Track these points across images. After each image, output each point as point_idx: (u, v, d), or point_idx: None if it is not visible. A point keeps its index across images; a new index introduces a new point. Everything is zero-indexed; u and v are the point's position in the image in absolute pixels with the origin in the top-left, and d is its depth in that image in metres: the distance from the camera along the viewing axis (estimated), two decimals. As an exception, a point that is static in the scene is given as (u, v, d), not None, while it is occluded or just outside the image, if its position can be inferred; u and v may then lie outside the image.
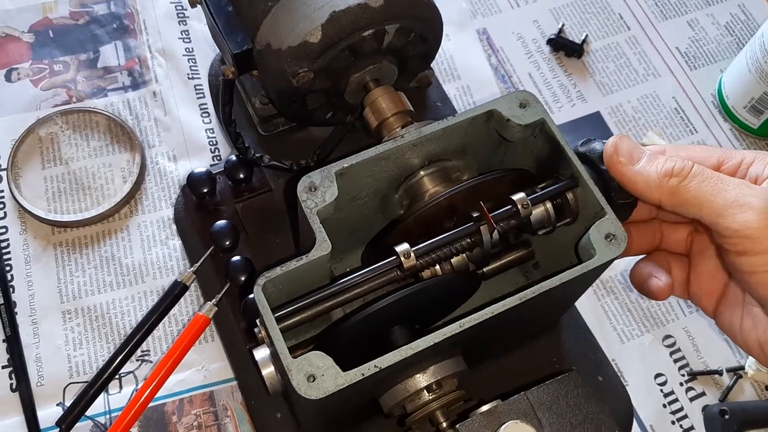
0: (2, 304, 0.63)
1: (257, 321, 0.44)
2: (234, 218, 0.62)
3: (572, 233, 0.49)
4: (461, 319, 0.42)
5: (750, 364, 0.65)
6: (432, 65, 0.64)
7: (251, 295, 0.44)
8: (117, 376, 0.61)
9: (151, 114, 0.73)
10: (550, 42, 0.80)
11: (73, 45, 0.76)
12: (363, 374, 0.40)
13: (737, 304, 0.48)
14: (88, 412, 0.60)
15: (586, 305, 0.67)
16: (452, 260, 0.48)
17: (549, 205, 0.48)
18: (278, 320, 0.42)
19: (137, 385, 0.61)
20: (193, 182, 0.62)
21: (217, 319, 0.61)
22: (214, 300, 0.59)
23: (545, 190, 0.48)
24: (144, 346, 0.63)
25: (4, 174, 0.69)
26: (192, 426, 0.60)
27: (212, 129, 0.73)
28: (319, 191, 0.45)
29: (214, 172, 0.63)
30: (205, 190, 0.62)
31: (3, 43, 0.76)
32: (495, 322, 0.43)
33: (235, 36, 0.54)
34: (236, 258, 0.59)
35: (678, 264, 0.51)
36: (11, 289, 0.65)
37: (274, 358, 0.44)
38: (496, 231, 0.47)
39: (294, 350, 0.42)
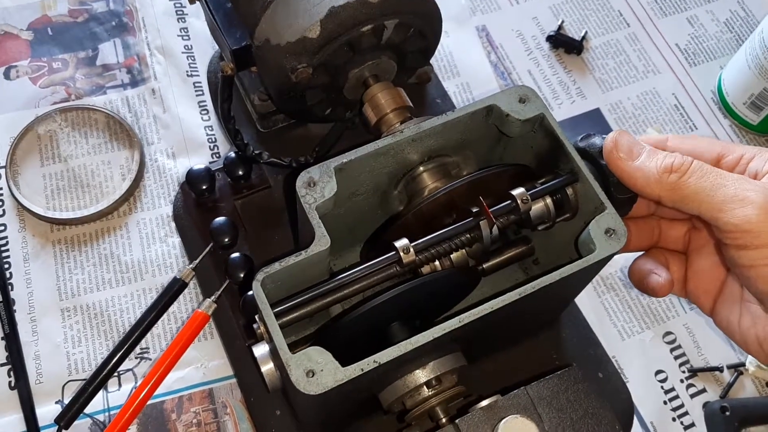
0: (1, 302, 0.63)
1: (256, 317, 0.44)
2: (233, 215, 0.62)
3: (572, 229, 0.49)
4: (461, 314, 0.42)
5: (751, 360, 0.65)
6: (431, 62, 0.64)
7: (250, 292, 0.43)
8: (116, 374, 0.61)
9: (150, 111, 0.73)
10: (549, 39, 0.80)
11: (72, 42, 0.76)
12: (362, 369, 0.40)
13: (735, 301, 0.47)
14: (87, 410, 0.60)
15: (586, 302, 0.66)
16: (452, 256, 0.48)
17: (549, 200, 0.48)
18: (277, 316, 0.42)
19: (136, 382, 0.61)
20: (192, 179, 0.62)
21: (217, 317, 0.61)
22: (213, 297, 0.59)
23: (545, 185, 0.48)
24: (143, 343, 0.62)
25: (2, 172, 0.69)
26: (191, 424, 0.60)
27: (211, 126, 0.73)
28: (318, 186, 0.45)
29: (213, 169, 0.63)
30: (204, 187, 0.61)
31: (2, 41, 0.76)
32: (495, 317, 0.43)
33: (233, 32, 0.54)
34: (235, 255, 0.59)
35: (675, 261, 0.51)
36: (10, 287, 0.64)
37: (274, 354, 0.44)
38: (495, 226, 0.47)
39: (293, 347, 0.42)
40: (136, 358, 0.62)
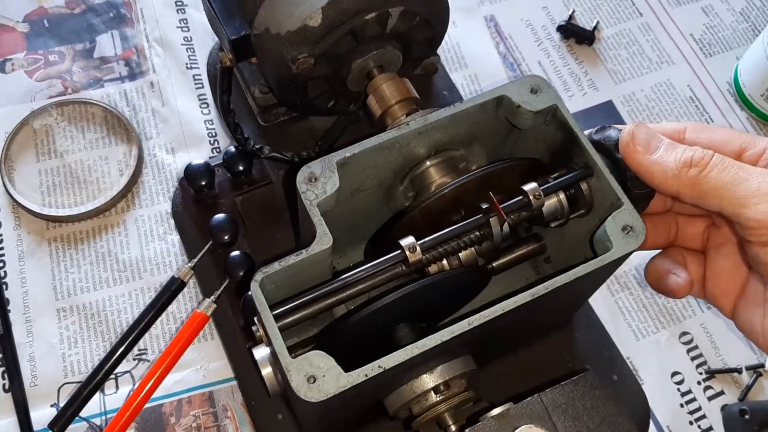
0: (-5, 302, 0.61)
1: (255, 319, 0.42)
2: (233, 212, 0.60)
3: (585, 226, 0.47)
4: (470, 316, 0.40)
5: (770, 361, 0.63)
6: (438, 52, 0.62)
7: (250, 292, 0.41)
8: (113, 376, 0.59)
9: (149, 105, 0.71)
10: (560, 29, 0.77)
11: (69, 35, 0.74)
12: (366, 375, 0.38)
13: (758, 302, 0.45)
14: (84, 414, 0.58)
15: (600, 301, 0.64)
16: (460, 254, 0.46)
17: (562, 195, 0.46)
18: (277, 318, 0.40)
19: (134, 385, 0.59)
20: (190, 174, 0.60)
21: (217, 317, 0.59)
22: (213, 297, 0.57)
23: (558, 180, 0.45)
24: (141, 344, 0.61)
25: (-3, 168, 0.67)
26: (191, 427, 0.58)
27: (211, 120, 0.71)
28: (319, 182, 0.43)
29: (212, 165, 0.61)
30: (203, 183, 0.60)
31: (-3, 34, 0.74)
32: (506, 319, 0.41)
33: (232, 21, 0.52)
34: (235, 253, 0.57)
35: (693, 261, 0.49)
36: (4, 286, 0.63)
37: (274, 357, 0.42)
38: (506, 223, 0.44)
39: (294, 350, 0.40)
40: (134, 359, 0.60)
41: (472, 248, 0.46)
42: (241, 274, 0.56)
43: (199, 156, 0.69)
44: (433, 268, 0.45)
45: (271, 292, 0.42)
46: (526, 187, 0.44)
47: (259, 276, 0.40)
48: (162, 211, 0.66)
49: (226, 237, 0.58)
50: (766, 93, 0.72)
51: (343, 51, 0.51)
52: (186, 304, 0.63)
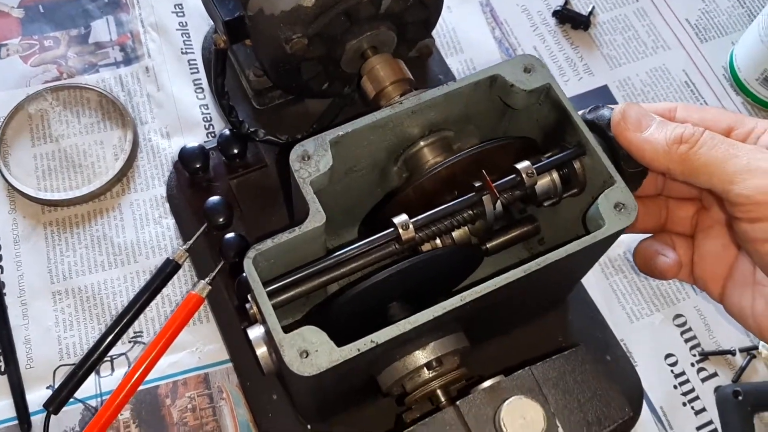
0: (-10, 285, 0.61)
1: (248, 296, 0.42)
2: (228, 195, 0.60)
3: (578, 206, 0.47)
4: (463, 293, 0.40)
5: (764, 344, 0.63)
6: (434, 37, 0.62)
7: (245, 273, 0.42)
8: (109, 358, 0.59)
9: (144, 90, 0.71)
10: (555, 14, 0.77)
11: (64, 20, 0.74)
12: (359, 350, 0.38)
13: (747, 284, 0.45)
14: (80, 395, 0.58)
15: (593, 284, 0.64)
16: (453, 234, 0.46)
17: (555, 174, 0.46)
18: (270, 295, 0.40)
19: (129, 367, 0.59)
20: (185, 157, 0.60)
21: (212, 299, 0.59)
22: (208, 278, 0.57)
23: (551, 158, 0.45)
24: (137, 327, 0.61)
25: (-8, 152, 0.67)
26: (186, 409, 0.58)
27: (206, 105, 0.71)
28: (312, 160, 0.43)
29: (207, 148, 0.61)
30: (198, 166, 0.60)
31: (-9, 19, 0.74)
32: (499, 296, 0.41)
33: (226, 3, 0.52)
34: (230, 235, 0.57)
35: (682, 245, 0.49)
36: (0, 270, 0.63)
37: (269, 336, 0.42)
38: (499, 201, 0.45)
39: (288, 329, 0.40)
40: (130, 342, 0.60)
41: (466, 228, 0.46)
42: (236, 256, 0.56)
43: (195, 140, 0.68)
44: (426, 247, 0.45)
45: (264, 270, 0.42)
46: (519, 166, 0.44)
47: (252, 253, 0.41)
48: (157, 195, 0.66)
49: (221, 219, 0.58)
50: (761, 77, 0.72)
51: (336, 31, 0.51)
52: (181, 287, 0.63)
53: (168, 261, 0.60)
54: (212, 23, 0.64)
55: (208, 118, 0.70)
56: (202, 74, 0.72)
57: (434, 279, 0.47)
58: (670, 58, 0.76)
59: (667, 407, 0.61)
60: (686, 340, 0.64)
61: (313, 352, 0.38)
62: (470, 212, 0.45)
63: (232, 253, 0.56)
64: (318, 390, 0.44)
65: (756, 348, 0.63)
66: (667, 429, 0.60)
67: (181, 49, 0.73)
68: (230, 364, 0.60)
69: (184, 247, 0.60)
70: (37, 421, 0.57)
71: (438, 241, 0.45)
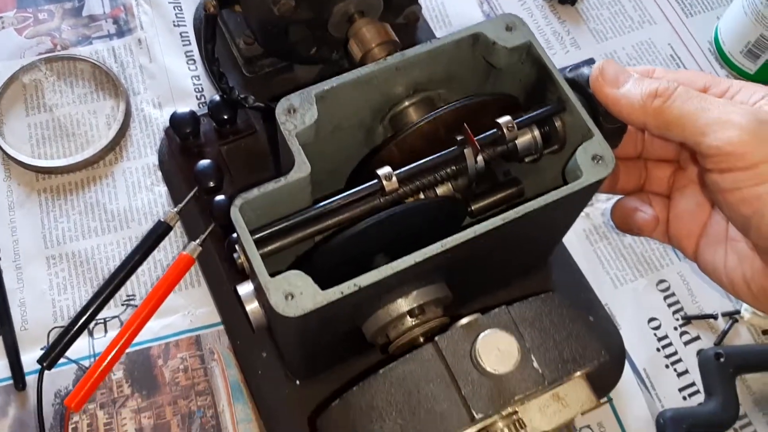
0: (-15, 250, 0.62)
1: (236, 245, 0.43)
2: (219, 161, 0.61)
3: (560, 165, 0.48)
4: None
5: (746, 308, 0.64)
6: (422, 11, 0.63)
7: (235, 234, 0.42)
8: (102, 320, 0.60)
9: (136, 61, 0.72)
10: (543, -12, 0.78)
11: (58, -6, 0.75)
12: (342, 293, 0.39)
13: (720, 241, 0.46)
14: (74, 356, 0.59)
15: (578, 250, 0.65)
16: (437, 189, 0.47)
17: (536, 131, 0.47)
18: (257, 244, 0.41)
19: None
20: (176, 122, 0.61)
21: (203, 262, 0.60)
22: (199, 240, 0.58)
23: (532, 114, 0.46)
24: (129, 290, 0.62)
25: (-13, 121, 0.68)
26: (178, 369, 0.60)
27: (198, 76, 0.72)
28: (298, 113, 0.44)
29: (198, 114, 0.62)
30: (188, 131, 0.61)
31: (-14, -8, 0.75)
32: (480, 246, 0.42)
33: (216, -33, 0.53)
34: (220, 197, 0.58)
35: (659, 204, 0.50)
36: (-5, 235, 0.64)
37: (258, 292, 0.43)
38: (481, 156, 0.46)
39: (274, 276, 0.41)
40: (122, 305, 0.62)
41: (449, 184, 0.47)
42: (226, 218, 0.57)
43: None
44: (410, 201, 0.46)
45: (251, 221, 0.43)
46: (500, 120, 0.45)
47: (238, 201, 0.42)
48: (149, 164, 0.67)
49: (211, 183, 0.59)
50: (745, 49, 0.73)
51: (324, -6, 0.52)
52: (173, 252, 0.64)
53: (159, 223, 0.61)
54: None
55: (200, 89, 0.71)
56: (193, 46, 0.73)
57: (418, 233, 0.48)
58: (656, 32, 0.77)
59: (651, 369, 0.62)
60: (669, 305, 0.65)
61: (298, 294, 0.39)
62: (453, 168, 0.46)
63: (222, 215, 0.57)
64: (305, 338, 0.45)
65: (738, 312, 0.64)
66: (650, 390, 0.62)
67: (173, 21, 0.74)
68: (221, 327, 0.61)
69: (176, 209, 0.61)
70: (31, 380, 0.58)
71: (422, 195, 0.46)
